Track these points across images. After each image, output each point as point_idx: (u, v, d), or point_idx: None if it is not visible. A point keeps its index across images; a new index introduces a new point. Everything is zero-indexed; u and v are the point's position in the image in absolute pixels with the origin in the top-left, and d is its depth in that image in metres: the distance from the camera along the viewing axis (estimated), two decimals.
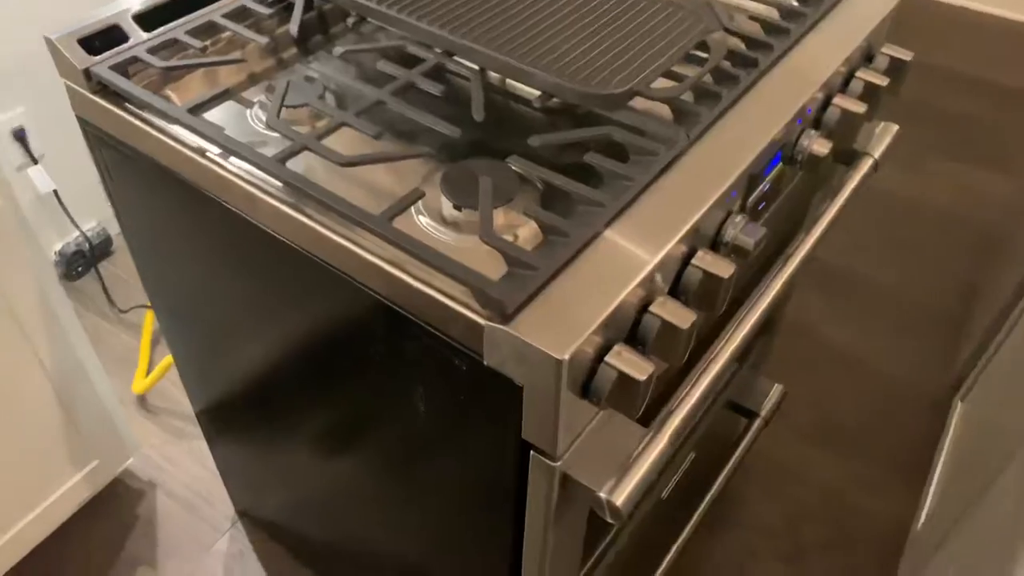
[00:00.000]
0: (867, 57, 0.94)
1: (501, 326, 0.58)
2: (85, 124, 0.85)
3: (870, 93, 0.89)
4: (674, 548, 1.20)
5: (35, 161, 1.67)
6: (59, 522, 1.33)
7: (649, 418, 0.70)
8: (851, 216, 2.01)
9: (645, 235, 0.65)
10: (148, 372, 1.62)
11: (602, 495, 0.65)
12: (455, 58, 0.82)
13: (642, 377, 0.59)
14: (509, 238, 0.67)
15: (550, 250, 0.62)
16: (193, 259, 0.88)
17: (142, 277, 1.04)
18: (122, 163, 0.84)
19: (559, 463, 0.65)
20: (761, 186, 0.78)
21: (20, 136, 1.63)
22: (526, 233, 0.68)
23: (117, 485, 1.46)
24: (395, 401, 0.76)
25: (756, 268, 0.97)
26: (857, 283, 1.85)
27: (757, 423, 1.38)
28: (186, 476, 1.48)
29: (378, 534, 1.02)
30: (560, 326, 0.58)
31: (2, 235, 1.03)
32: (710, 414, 1.20)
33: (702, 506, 1.25)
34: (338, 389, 0.85)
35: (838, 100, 0.85)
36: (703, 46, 0.81)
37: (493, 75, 0.86)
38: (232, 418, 1.15)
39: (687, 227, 0.66)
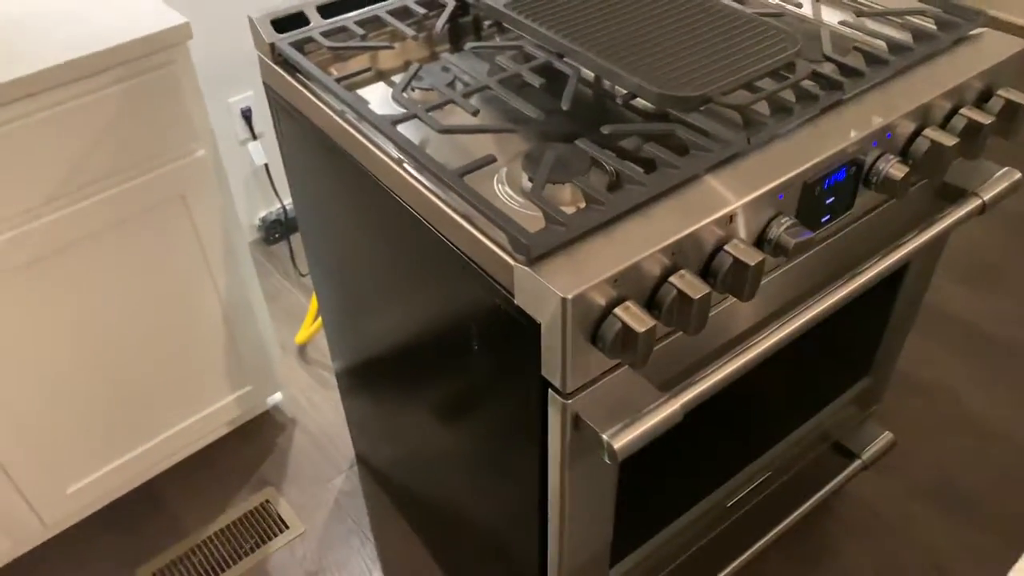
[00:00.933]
0: (984, 97, 0.95)
1: (526, 267, 0.68)
2: (268, 89, 1.05)
3: (972, 131, 0.90)
4: (735, 563, 1.21)
5: (255, 137, 1.97)
6: (212, 432, 1.57)
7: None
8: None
9: (676, 215, 0.73)
10: None
11: (604, 436, 0.73)
12: (565, 59, 0.94)
13: (641, 329, 0.67)
14: (570, 208, 0.77)
15: (585, 214, 0.72)
16: (336, 220, 1.06)
17: (304, 242, 1.23)
18: (292, 128, 1.04)
19: (570, 401, 0.74)
20: (823, 198, 0.83)
21: (247, 115, 1.94)
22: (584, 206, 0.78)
23: (265, 417, 1.69)
24: (458, 342, 0.88)
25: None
26: (1016, 357, 1.73)
27: (855, 465, 1.36)
28: (323, 419, 1.68)
29: (452, 482, 1.14)
30: (575, 274, 0.68)
31: (201, 179, 1.27)
32: (800, 440, 1.22)
33: (774, 531, 1.25)
34: (424, 339, 0.98)
35: (928, 132, 0.88)
36: (793, 68, 0.87)
37: (591, 74, 0.96)
38: (356, 374, 1.31)
39: (718, 214, 0.73)
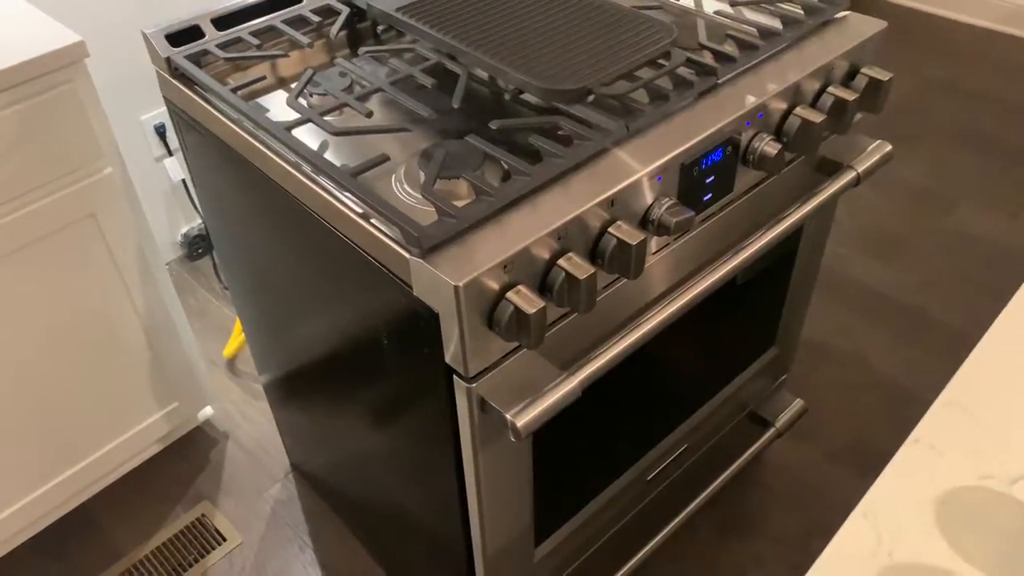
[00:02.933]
0: (850, 76, 1.01)
1: (420, 259, 0.72)
2: (169, 103, 1.06)
3: (839, 108, 0.97)
4: (660, 535, 1.26)
5: (171, 153, 1.96)
6: (143, 451, 1.56)
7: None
8: (928, 255, 1.99)
9: (561, 201, 0.77)
10: None
11: (508, 415, 0.76)
12: (456, 60, 0.97)
13: (531, 310, 0.71)
14: (464, 201, 0.80)
15: (475, 206, 0.75)
16: (247, 230, 1.07)
17: (220, 256, 1.24)
18: (196, 141, 1.05)
19: (474, 385, 0.77)
20: (703, 178, 0.88)
21: (161, 131, 1.92)
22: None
23: (197, 432, 1.68)
24: (370, 341, 0.91)
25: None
26: (922, 321, 1.83)
27: (770, 433, 1.42)
28: (256, 430, 1.69)
29: (381, 480, 1.16)
30: (467, 262, 0.71)
31: (110, 197, 1.26)
32: (713, 412, 1.27)
33: (696, 501, 1.31)
34: (340, 341, 1.00)
35: (799, 110, 0.93)
36: (669, 57, 0.92)
37: (483, 73, 1.00)
38: (282, 383, 1.33)
39: (599, 199, 0.77)
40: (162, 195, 2.00)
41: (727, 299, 1.13)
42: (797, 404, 1.46)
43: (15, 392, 1.30)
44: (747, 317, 1.23)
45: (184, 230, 2.10)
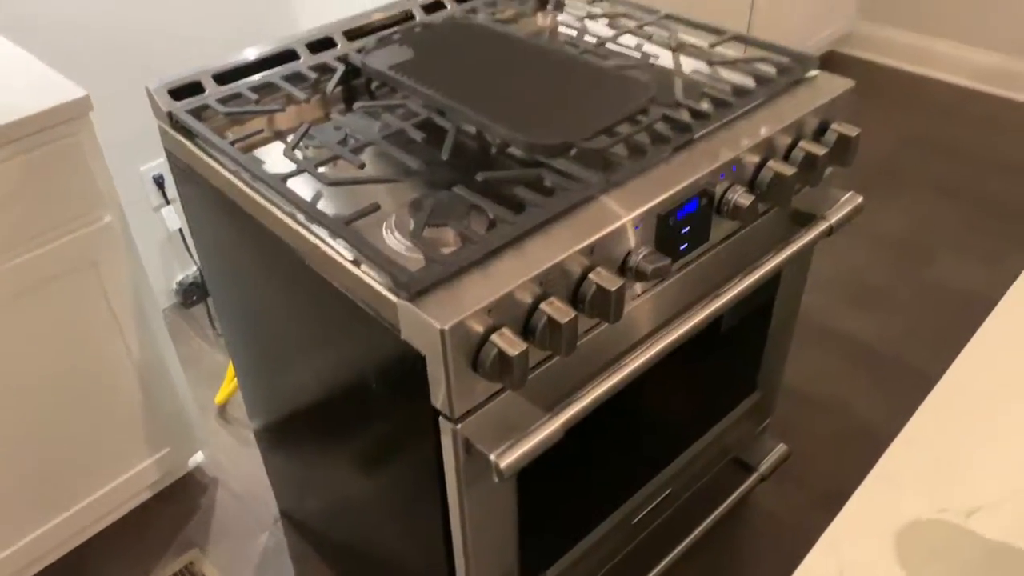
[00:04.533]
0: (821, 131, 1.06)
1: (407, 303, 0.75)
2: (169, 155, 1.10)
3: (810, 161, 1.02)
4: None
5: (168, 203, 2.00)
6: (134, 497, 1.56)
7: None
8: (908, 304, 2.03)
9: (544, 248, 0.81)
10: None
11: (491, 456, 0.79)
12: (445, 115, 1.02)
13: (514, 353, 0.74)
14: (451, 248, 0.84)
15: (461, 252, 0.79)
16: (242, 278, 1.11)
17: (215, 303, 1.27)
18: (194, 191, 1.09)
19: (459, 426, 0.80)
20: (679, 227, 0.92)
21: (159, 181, 1.97)
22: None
23: (188, 479, 1.69)
24: (359, 384, 0.94)
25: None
26: (902, 369, 1.87)
27: (753, 477, 1.44)
28: (246, 477, 1.70)
29: (370, 525, 1.18)
30: (453, 306, 0.74)
31: (109, 246, 1.30)
32: (696, 456, 1.29)
33: (681, 545, 1.32)
34: (330, 386, 1.03)
35: (771, 163, 0.98)
36: (647, 113, 0.97)
37: (470, 127, 1.05)
38: (273, 429, 1.35)
39: (580, 246, 0.81)
40: (159, 243, 2.04)
41: (708, 344, 1.16)
42: (780, 449, 1.48)
43: (7, 434, 1.31)
44: (728, 362, 1.26)
45: (180, 278, 2.13)
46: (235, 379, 1.85)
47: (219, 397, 1.85)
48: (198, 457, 1.70)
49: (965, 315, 2.00)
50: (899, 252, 2.22)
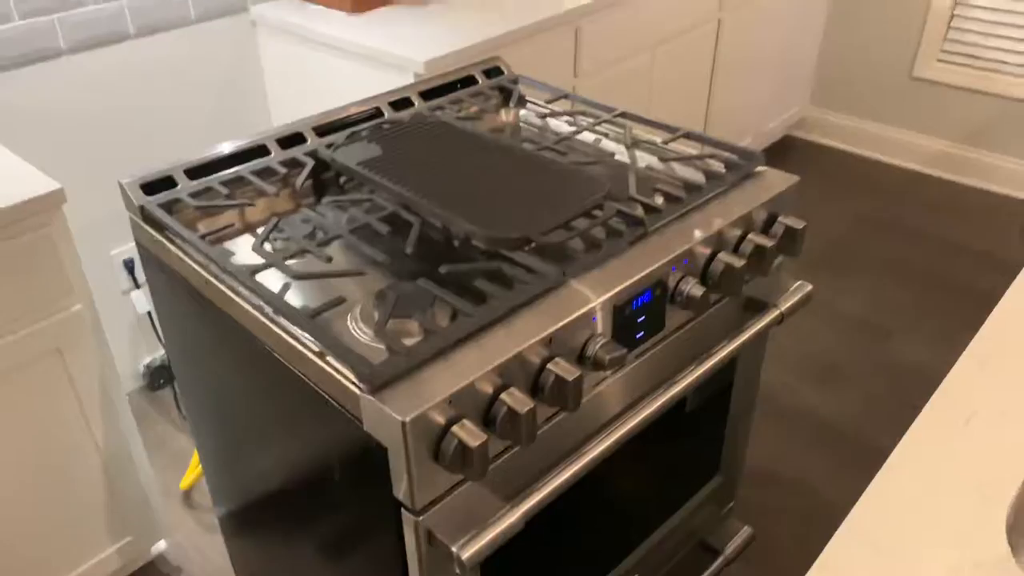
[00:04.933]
0: (769, 224, 1.12)
1: (369, 396, 0.77)
2: (140, 247, 1.13)
3: (759, 253, 1.07)
4: None
5: (138, 286, 2.01)
6: None
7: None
8: (867, 382, 2.08)
9: (503, 340, 0.84)
10: None
11: (453, 548, 0.80)
12: (410, 209, 1.06)
13: (474, 444, 0.76)
14: (413, 340, 0.86)
15: (423, 344, 0.82)
16: (208, 365, 1.12)
17: (181, 389, 1.28)
18: (163, 281, 1.11)
19: (421, 518, 0.81)
20: (635, 317, 0.95)
21: (129, 266, 1.99)
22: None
23: (150, 568, 1.66)
24: (323, 475, 0.95)
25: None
26: (864, 447, 1.90)
27: (719, 561, 1.45)
28: (209, 565, 1.67)
29: None
30: (414, 398, 0.77)
31: (77, 333, 1.31)
32: (661, 541, 1.30)
33: None
34: (294, 475, 1.04)
35: (722, 255, 1.03)
36: (602, 208, 1.02)
37: (435, 220, 1.09)
38: (237, 517, 1.34)
39: (538, 337, 0.84)
40: (127, 326, 2.04)
41: (668, 429, 1.19)
42: (745, 531, 1.49)
43: None
44: (690, 446, 1.29)
45: (146, 361, 2.12)
46: (200, 464, 1.83)
47: (184, 482, 1.83)
48: (161, 545, 1.67)
49: (923, 393, 2.05)
50: (857, 330, 2.28)
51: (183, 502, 1.81)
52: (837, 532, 0.66)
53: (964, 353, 0.83)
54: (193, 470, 1.83)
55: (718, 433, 1.33)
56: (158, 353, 2.14)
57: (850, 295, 2.42)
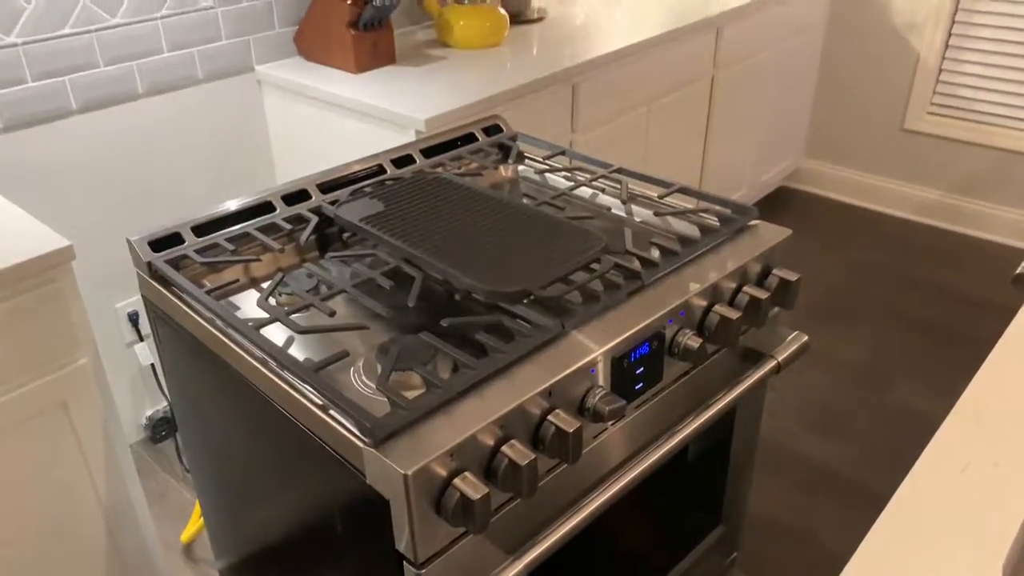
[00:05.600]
0: (763, 276, 1.14)
1: (372, 449, 0.79)
2: (147, 301, 1.15)
3: (754, 305, 1.09)
4: None
5: (142, 339, 2.03)
6: None
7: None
8: (869, 430, 2.08)
9: (504, 392, 0.85)
10: None
11: None
12: (412, 264, 1.09)
13: (476, 496, 0.77)
14: (415, 392, 0.88)
15: (425, 397, 0.83)
16: (212, 418, 1.13)
17: (184, 441, 1.29)
18: (169, 335, 1.13)
19: (423, 571, 0.82)
20: (633, 369, 0.97)
21: (134, 319, 2.01)
22: None
23: None
24: (325, 527, 0.95)
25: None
26: (866, 496, 1.89)
27: None
28: None
29: None
30: (416, 451, 0.78)
31: (82, 386, 1.32)
32: None
33: None
34: (297, 527, 1.04)
35: (717, 307, 1.05)
36: (599, 262, 1.04)
37: (436, 274, 1.11)
38: (238, 570, 1.34)
39: (538, 389, 0.86)
40: (130, 378, 2.05)
41: (670, 479, 1.20)
42: None
43: None
44: (691, 497, 1.29)
45: (149, 412, 2.13)
46: (202, 517, 1.83)
47: (185, 535, 1.82)
48: None
49: (923, 439, 2.05)
50: (859, 378, 2.29)
51: (184, 555, 1.80)
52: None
53: (958, 402, 0.85)
54: (194, 523, 1.83)
55: (719, 483, 1.33)
56: (160, 405, 2.14)
57: (849, 343, 2.43)
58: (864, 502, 1.89)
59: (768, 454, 2.04)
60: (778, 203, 3.22)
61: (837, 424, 2.13)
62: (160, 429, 2.13)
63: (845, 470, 1.98)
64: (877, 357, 2.37)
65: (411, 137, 1.68)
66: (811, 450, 2.04)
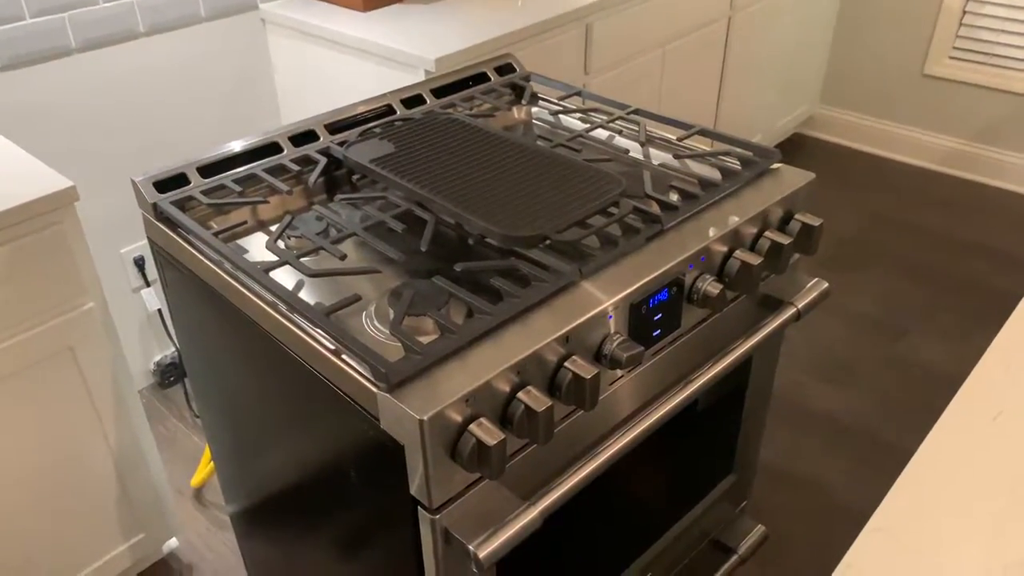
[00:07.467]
0: (785, 221, 1.11)
1: (386, 394, 0.77)
2: (153, 244, 1.12)
3: (775, 250, 1.06)
4: None
5: (148, 284, 2.01)
6: None
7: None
8: (880, 381, 2.07)
9: (520, 338, 0.83)
10: None
11: (470, 547, 0.80)
12: (424, 206, 1.06)
13: (492, 442, 0.76)
14: (429, 337, 0.86)
15: (440, 342, 0.81)
16: (221, 363, 1.12)
17: (193, 386, 1.28)
18: (176, 278, 1.11)
19: (438, 516, 0.81)
20: (651, 315, 0.95)
21: (140, 263, 1.99)
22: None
23: (162, 565, 1.66)
24: (339, 473, 0.94)
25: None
26: (877, 445, 1.89)
27: (733, 560, 1.44)
28: (221, 563, 1.66)
29: None
30: (431, 396, 0.76)
31: (89, 331, 1.31)
32: (675, 539, 1.30)
33: None
34: (309, 473, 1.03)
35: (738, 253, 1.02)
36: (618, 206, 1.01)
37: (449, 218, 1.08)
38: (249, 514, 1.34)
39: (555, 335, 0.83)
40: (137, 324, 2.04)
41: (684, 427, 1.18)
42: (759, 530, 1.48)
43: None
44: (704, 445, 1.28)
45: (157, 358, 2.12)
46: (211, 462, 1.83)
47: (195, 480, 1.83)
48: (172, 543, 1.67)
49: (936, 390, 2.04)
50: (870, 328, 2.26)
51: (194, 500, 1.81)
52: (863, 530, 0.65)
53: (988, 350, 0.82)
54: (204, 467, 1.83)
55: (732, 431, 1.32)
56: (168, 350, 2.13)
57: (863, 293, 2.40)
58: (875, 452, 1.88)
59: (779, 403, 2.03)
60: (791, 151, 3.16)
61: (849, 374, 2.11)
62: (168, 374, 2.13)
63: (856, 420, 1.97)
64: (890, 307, 2.35)
65: (420, 77, 1.63)
66: (822, 400, 2.03)
